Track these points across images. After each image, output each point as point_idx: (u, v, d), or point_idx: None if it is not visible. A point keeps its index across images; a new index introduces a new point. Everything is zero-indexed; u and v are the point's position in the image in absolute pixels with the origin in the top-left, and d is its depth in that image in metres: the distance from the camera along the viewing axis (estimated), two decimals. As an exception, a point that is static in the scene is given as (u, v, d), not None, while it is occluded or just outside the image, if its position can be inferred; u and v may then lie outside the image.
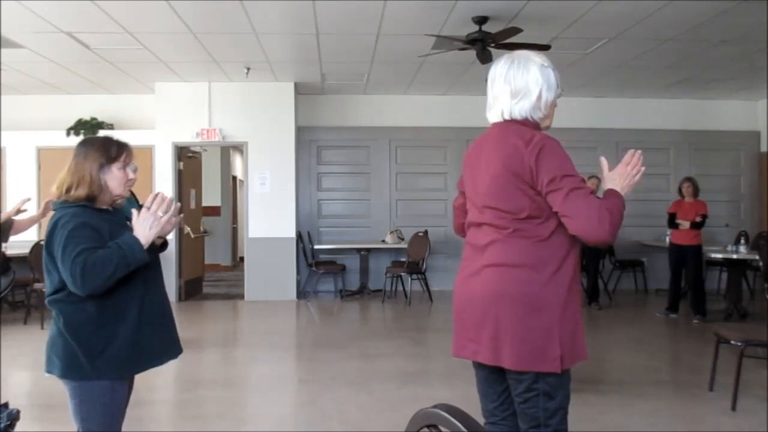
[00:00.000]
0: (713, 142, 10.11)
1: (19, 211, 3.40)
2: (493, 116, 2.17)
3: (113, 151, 2.28)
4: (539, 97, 2.09)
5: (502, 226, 2.06)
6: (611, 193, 2.07)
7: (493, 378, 2.18)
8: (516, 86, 2.09)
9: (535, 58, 2.12)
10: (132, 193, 5.95)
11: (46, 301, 2.28)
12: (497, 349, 2.03)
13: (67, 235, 2.13)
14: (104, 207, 2.30)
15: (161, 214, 2.20)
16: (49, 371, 2.24)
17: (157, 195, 2.23)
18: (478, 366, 2.20)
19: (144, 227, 2.19)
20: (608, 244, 2.12)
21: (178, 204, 2.34)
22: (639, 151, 2.12)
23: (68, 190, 2.23)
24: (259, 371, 5.49)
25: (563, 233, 2.02)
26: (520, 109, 2.09)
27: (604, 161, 2.19)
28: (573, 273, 2.04)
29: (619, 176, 2.10)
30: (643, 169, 2.11)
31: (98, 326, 2.19)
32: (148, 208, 2.20)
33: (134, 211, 2.24)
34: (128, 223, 2.36)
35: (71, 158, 2.29)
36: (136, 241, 2.16)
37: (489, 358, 2.06)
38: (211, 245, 12.56)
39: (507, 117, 2.12)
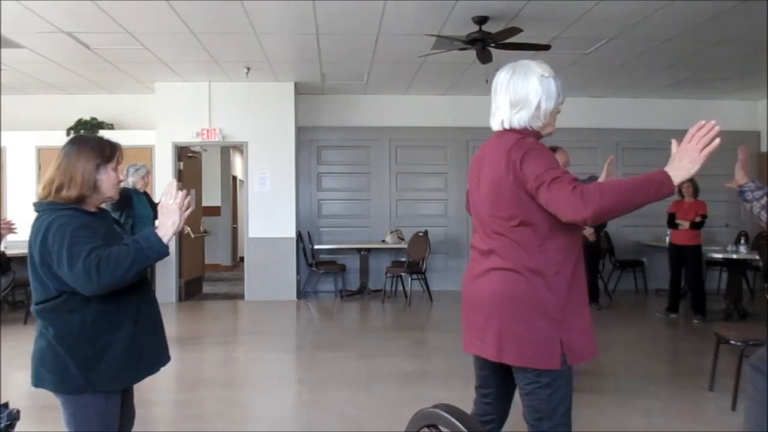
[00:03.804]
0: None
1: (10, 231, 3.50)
2: (495, 124, 2.23)
3: (107, 151, 2.19)
4: (538, 107, 2.13)
5: (499, 232, 2.14)
6: (646, 177, 1.90)
7: (495, 374, 2.30)
8: (516, 96, 2.14)
9: (536, 68, 2.15)
10: (146, 194, 6.00)
11: (33, 311, 2.14)
12: (501, 348, 2.13)
13: (70, 236, 2.01)
14: (92, 210, 2.19)
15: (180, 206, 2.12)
16: (37, 385, 2.12)
17: (174, 188, 2.13)
18: (482, 366, 2.32)
19: (166, 222, 2.09)
20: (597, 223, 2.00)
21: (192, 190, 2.31)
22: (711, 123, 1.87)
23: (58, 190, 2.11)
24: (259, 371, 5.49)
25: (558, 238, 2.09)
26: (519, 119, 2.15)
27: (674, 142, 1.98)
28: (572, 275, 2.12)
29: (680, 155, 1.90)
30: (716, 141, 1.84)
31: (92, 337, 2.09)
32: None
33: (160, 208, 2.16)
34: (115, 227, 2.32)
35: (60, 157, 2.15)
36: (153, 233, 2.06)
37: (493, 355, 2.15)
38: (211, 245, 12.55)
39: (507, 126, 2.18)
